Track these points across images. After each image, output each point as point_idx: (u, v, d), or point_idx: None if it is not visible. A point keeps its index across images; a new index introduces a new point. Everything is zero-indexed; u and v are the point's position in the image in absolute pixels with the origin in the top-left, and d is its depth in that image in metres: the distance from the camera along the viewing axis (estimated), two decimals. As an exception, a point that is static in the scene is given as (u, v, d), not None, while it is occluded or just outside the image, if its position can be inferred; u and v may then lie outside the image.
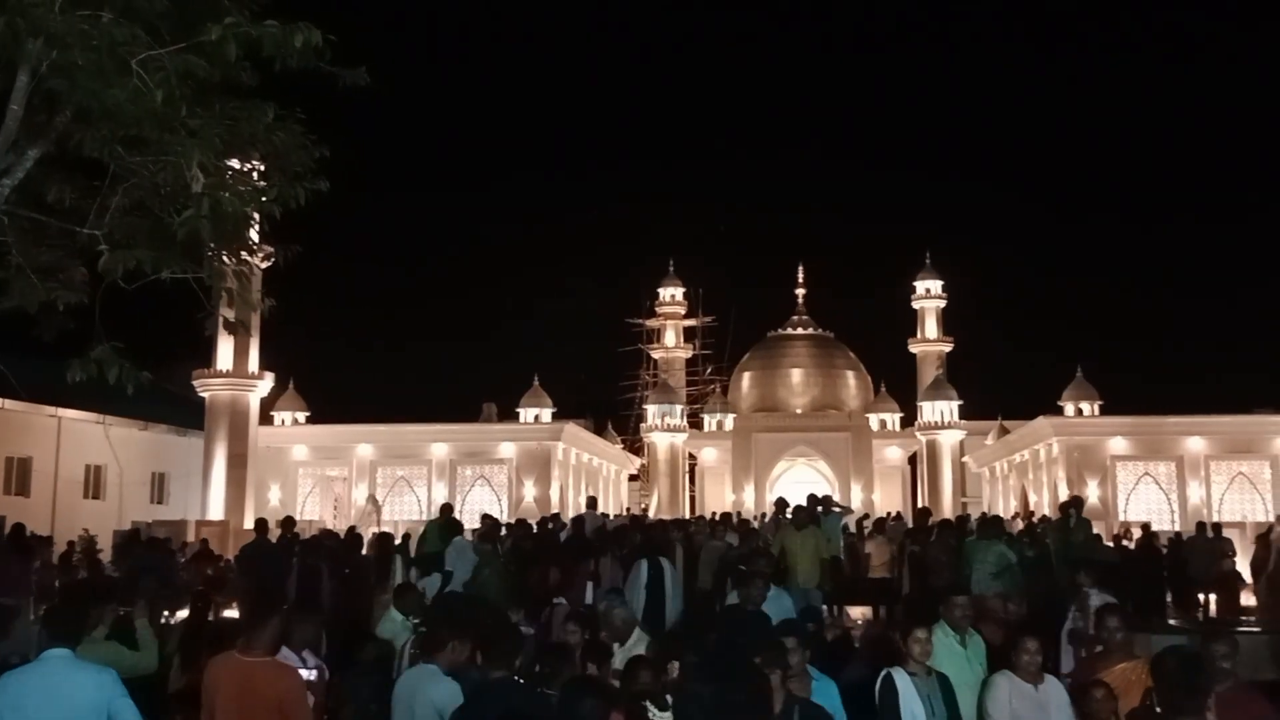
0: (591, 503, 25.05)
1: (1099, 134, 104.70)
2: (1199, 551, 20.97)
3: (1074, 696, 7.07)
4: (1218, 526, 22.57)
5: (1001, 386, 68.04)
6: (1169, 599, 20.73)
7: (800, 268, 66.44)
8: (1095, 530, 19.51)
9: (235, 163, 8.62)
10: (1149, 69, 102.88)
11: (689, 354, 61.23)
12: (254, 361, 38.23)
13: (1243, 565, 23.09)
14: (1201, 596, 21.02)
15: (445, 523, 17.75)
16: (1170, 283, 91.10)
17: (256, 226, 9.46)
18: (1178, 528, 32.06)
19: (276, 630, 6.43)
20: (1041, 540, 17.53)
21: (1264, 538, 22.47)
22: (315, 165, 8.38)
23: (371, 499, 39.13)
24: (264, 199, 8.17)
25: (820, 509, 17.58)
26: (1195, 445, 39.94)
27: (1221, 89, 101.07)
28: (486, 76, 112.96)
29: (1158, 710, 5.38)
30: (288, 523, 17.21)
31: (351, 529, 21.46)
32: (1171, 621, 18.68)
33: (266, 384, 39.02)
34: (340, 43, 7.59)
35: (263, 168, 8.85)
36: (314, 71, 7.72)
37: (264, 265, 22.77)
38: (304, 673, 6.89)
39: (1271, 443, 39.78)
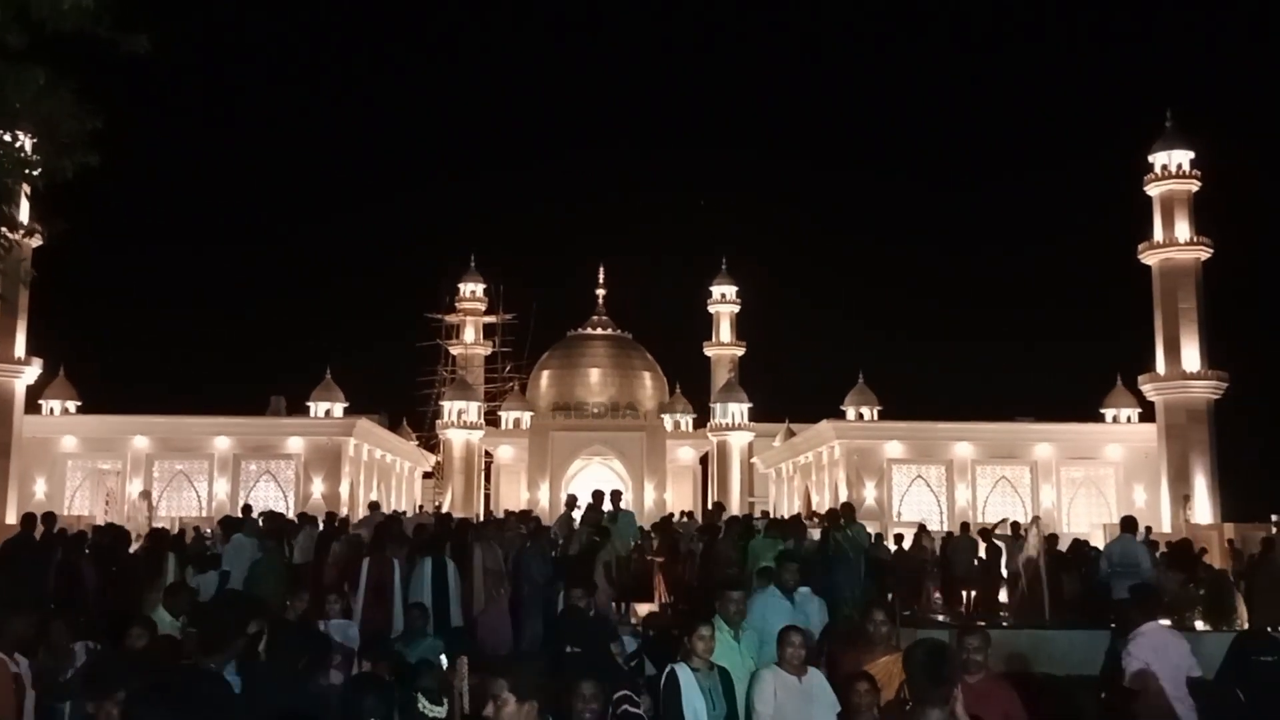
0: (373, 506, 24.28)
1: (889, 144, 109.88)
2: (962, 550, 22.22)
3: (839, 688, 7.37)
4: (1016, 526, 23.62)
5: (790, 390, 70.54)
6: (936, 594, 21.95)
7: (601, 268, 67.23)
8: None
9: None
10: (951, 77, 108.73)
11: (488, 351, 60.80)
12: (20, 346, 35.85)
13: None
14: (964, 593, 22.29)
15: (227, 520, 17.30)
16: (945, 291, 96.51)
17: (25, 199, 8.86)
18: (946, 527, 33.97)
19: (16, 631, 6.05)
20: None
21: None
22: (87, 137, 7.90)
23: (145, 494, 37.19)
24: (28, 170, 7.66)
25: (613, 508, 17.70)
26: (963, 450, 42.52)
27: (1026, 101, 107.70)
28: (294, 59, 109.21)
29: (908, 701, 5.66)
30: (49, 518, 16.23)
31: (112, 524, 20.40)
32: (938, 616, 19.75)
33: (34, 370, 36.65)
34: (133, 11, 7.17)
35: (32, 139, 8.29)
36: (91, 37, 7.28)
37: (32, 244, 21.29)
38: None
39: (1031, 449, 42.73)
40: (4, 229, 8.62)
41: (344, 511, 37.52)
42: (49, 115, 7.79)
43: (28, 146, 8.20)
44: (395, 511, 30.37)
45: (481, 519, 25.64)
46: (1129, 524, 17.71)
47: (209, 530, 25.04)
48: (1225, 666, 7.88)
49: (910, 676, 5.69)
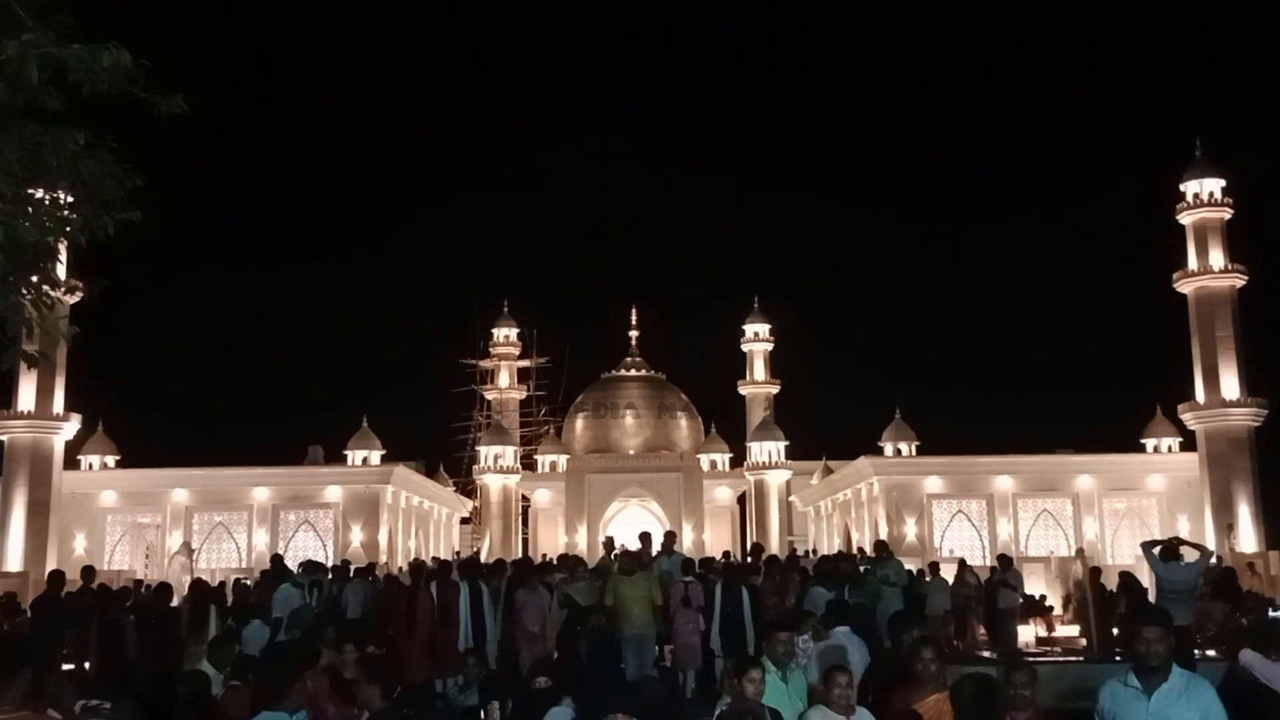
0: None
1: (919, 177, 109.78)
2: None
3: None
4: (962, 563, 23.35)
5: (826, 427, 70.07)
6: (981, 630, 21.64)
7: (634, 310, 67.41)
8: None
9: (40, 191, 8.17)
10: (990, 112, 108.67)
11: (523, 395, 60.96)
12: (59, 402, 36.28)
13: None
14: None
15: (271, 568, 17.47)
16: (980, 324, 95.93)
17: (63, 258, 8.97)
18: (989, 563, 33.51)
19: (29, 683, 6.03)
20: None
21: None
22: (126, 195, 8.00)
23: (185, 546, 37.41)
24: (68, 229, 7.76)
25: (659, 551, 17.47)
26: (1004, 484, 42.02)
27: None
28: (319, 106, 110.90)
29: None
30: (87, 573, 16.42)
31: (164, 584, 20.61)
32: (984, 653, 19.45)
33: (72, 426, 37.06)
34: (167, 71, 7.29)
35: (70, 198, 8.40)
36: (127, 98, 7.40)
37: (70, 300, 21.61)
38: None
39: (1072, 481, 42.18)
40: (46, 287, 8.71)
41: (383, 559, 37.63)
42: (87, 175, 7.89)
43: (67, 205, 8.32)
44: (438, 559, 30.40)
45: (538, 564, 25.19)
46: (1172, 553, 17.45)
47: (249, 580, 25.16)
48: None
49: (959, 713, 5.61)
